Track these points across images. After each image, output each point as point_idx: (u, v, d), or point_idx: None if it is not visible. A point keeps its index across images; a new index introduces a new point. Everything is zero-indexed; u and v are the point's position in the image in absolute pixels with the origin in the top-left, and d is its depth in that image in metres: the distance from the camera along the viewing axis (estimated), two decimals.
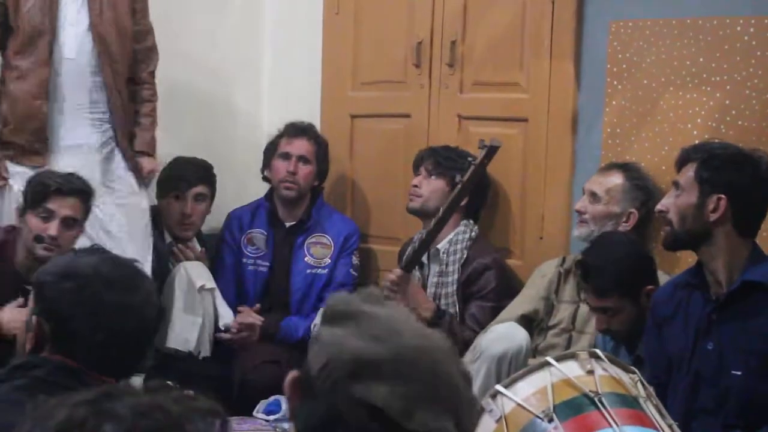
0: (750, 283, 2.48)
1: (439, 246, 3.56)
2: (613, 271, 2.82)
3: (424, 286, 3.59)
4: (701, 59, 3.25)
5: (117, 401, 0.91)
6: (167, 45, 3.72)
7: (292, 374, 1.34)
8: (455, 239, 3.57)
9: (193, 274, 3.66)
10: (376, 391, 1.25)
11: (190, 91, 4.14)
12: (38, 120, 3.38)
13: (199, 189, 3.82)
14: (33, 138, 3.39)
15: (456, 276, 3.53)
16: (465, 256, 3.54)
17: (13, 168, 3.40)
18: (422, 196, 3.61)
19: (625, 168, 3.30)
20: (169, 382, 1.00)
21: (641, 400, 2.10)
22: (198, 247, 3.87)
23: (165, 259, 3.76)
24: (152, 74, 3.64)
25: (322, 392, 1.28)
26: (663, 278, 2.98)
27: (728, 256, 2.53)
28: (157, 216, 3.81)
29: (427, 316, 3.43)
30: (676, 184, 2.60)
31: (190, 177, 3.81)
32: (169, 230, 3.84)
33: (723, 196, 2.51)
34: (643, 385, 2.16)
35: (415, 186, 3.64)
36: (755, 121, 3.15)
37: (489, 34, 3.78)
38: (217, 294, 3.72)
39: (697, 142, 2.97)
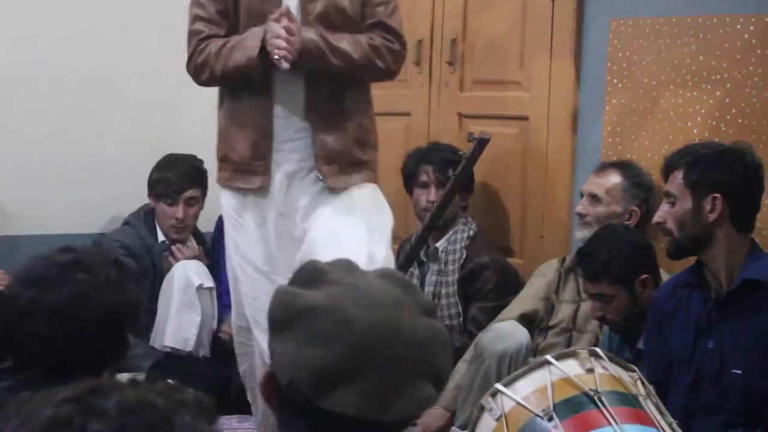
0: (750, 282, 2.48)
1: (437, 245, 3.56)
2: (604, 254, 2.84)
3: (423, 285, 3.58)
4: (701, 57, 3.24)
5: (103, 397, 0.89)
6: (167, 43, 3.71)
7: (265, 375, 1.34)
8: (453, 238, 3.57)
9: (192, 272, 3.64)
10: (345, 400, 1.25)
11: (191, 86, 4.13)
12: (260, 132, 2.92)
13: (191, 192, 3.76)
14: (250, 153, 2.94)
15: (455, 276, 3.53)
16: (464, 255, 3.54)
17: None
18: None
19: (622, 166, 3.29)
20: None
21: (641, 399, 2.09)
22: (196, 246, 3.86)
23: (157, 259, 3.73)
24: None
25: (295, 407, 1.29)
26: (663, 277, 2.98)
27: (729, 255, 2.53)
28: (148, 213, 3.79)
29: None
30: (667, 194, 2.59)
31: (180, 181, 3.75)
32: (163, 230, 3.82)
33: (717, 195, 2.51)
34: (642, 383, 2.16)
35: (434, 201, 3.51)
36: (755, 119, 3.15)
37: (489, 33, 3.78)
38: (216, 293, 3.72)
39: (694, 142, 2.97)
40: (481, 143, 3.14)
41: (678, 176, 2.56)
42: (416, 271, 3.60)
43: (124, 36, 3.92)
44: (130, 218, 3.78)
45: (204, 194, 3.84)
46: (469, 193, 3.63)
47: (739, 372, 2.48)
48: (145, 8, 3.96)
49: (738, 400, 2.49)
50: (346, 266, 1.39)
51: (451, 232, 3.57)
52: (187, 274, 3.63)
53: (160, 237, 3.79)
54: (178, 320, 3.58)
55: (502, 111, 3.77)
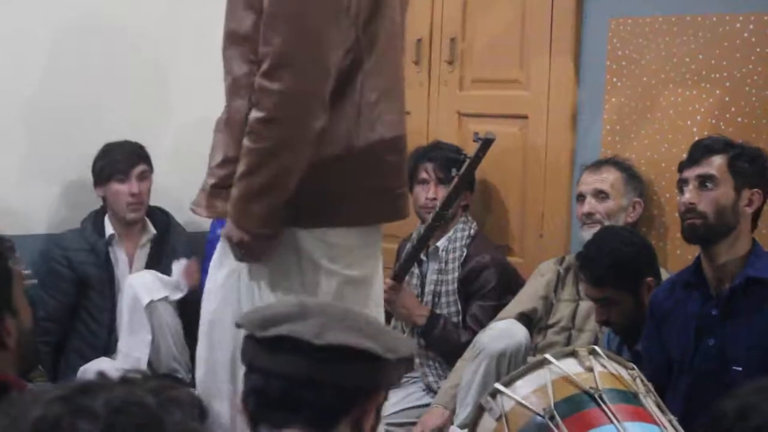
0: (753, 279, 2.49)
1: (438, 243, 3.56)
2: (608, 258, 2.82)
3: (423, 285, 3.58)
4: (701, 56, 3.25)
5: (92, 397, 0.89)
6: (166, 43, 3.72)
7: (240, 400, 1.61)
8: (454, 237, 3.57)
9: (140, 288, 3.48)
10: (282, 329, 1.50)
11: (194, 86, 4.15)
12: None
13: (141, 167, 3.68)
14: None
15: (456, 274, 3.52)
16: (465, 254, 3.54)
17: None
18: None
19: (615, 161, 3.32)
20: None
21: (641, 396, 2.10)
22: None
23: (102, 254, 3.62)
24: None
25: (248, 366, 1.55)
26: (663, 275, 2.98)
27: (737, 251, 2.54)
28: (99, 213, 3.69)
29: (421, 323, 3.43)
30: (705, 177, 2.55)
31: (128, 158, 3.67)
32: (116, 218, 3.67)
33: (758, 190, 2.54)
34: (642, 380, 2.17)
35: (434, 198, 3.51)
36: (755, 117, 3.15)
37: (488, 32, 3.78)
38: (170, 286, 3.53)
39: (702, 136, 2.96)
40: (486, 143, 3.14)
41: (718, 161, 2.54)
42: (416, 270, 3.60)
43: (125, 35, 3.92)
44: (84, 221, 3.70)
45: (152, 171, 3.74)
46: (470, 192, 3.63)
47: (740, 369, 2.48)
48: (147, 4, 3.95)
49: None
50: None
51: (451, 231, 3.57)
52: (135, 292, 3.48)
53: (109, 230, 3.67)
54: (129, 341, 3.47)
55: (501, 110, 3.77)
